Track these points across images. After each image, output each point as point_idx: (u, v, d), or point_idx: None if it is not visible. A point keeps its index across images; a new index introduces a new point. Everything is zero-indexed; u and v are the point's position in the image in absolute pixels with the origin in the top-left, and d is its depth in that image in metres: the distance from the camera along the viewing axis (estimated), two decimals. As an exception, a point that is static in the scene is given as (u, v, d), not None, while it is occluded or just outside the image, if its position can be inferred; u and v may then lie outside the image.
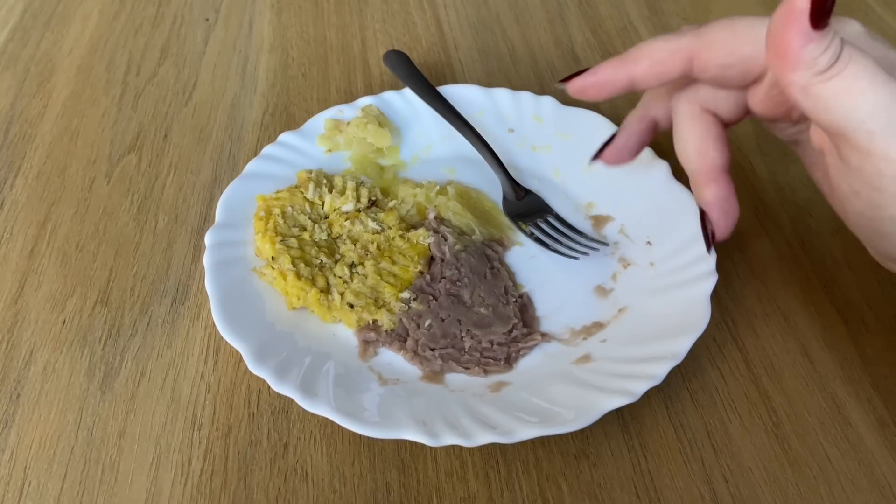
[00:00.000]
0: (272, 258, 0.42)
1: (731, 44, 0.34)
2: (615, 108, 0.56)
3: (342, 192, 0.47)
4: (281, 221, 0.44)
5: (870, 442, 0.37)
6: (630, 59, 0.36)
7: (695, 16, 0.65)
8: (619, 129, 0.40)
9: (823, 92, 0.29)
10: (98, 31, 0.64)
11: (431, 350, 0.40)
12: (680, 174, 0.48)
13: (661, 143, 0.53)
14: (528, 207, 0.47)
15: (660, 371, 0.37)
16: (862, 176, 0.30)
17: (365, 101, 0.53)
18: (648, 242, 0.45)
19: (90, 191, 0.50)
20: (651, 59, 0.35)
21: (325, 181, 0.47)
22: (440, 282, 0.43)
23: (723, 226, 0.37)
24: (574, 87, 0.37)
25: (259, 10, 0.66)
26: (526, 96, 0.53)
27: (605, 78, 0.36)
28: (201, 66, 0.60)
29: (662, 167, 0.47)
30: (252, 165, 0.48)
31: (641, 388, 0.36)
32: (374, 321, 0.41)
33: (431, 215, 0.46)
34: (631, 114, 0.40)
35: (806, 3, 0.28)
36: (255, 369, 0.37)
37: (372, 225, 0.45)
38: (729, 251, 0.45)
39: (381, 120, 0.51)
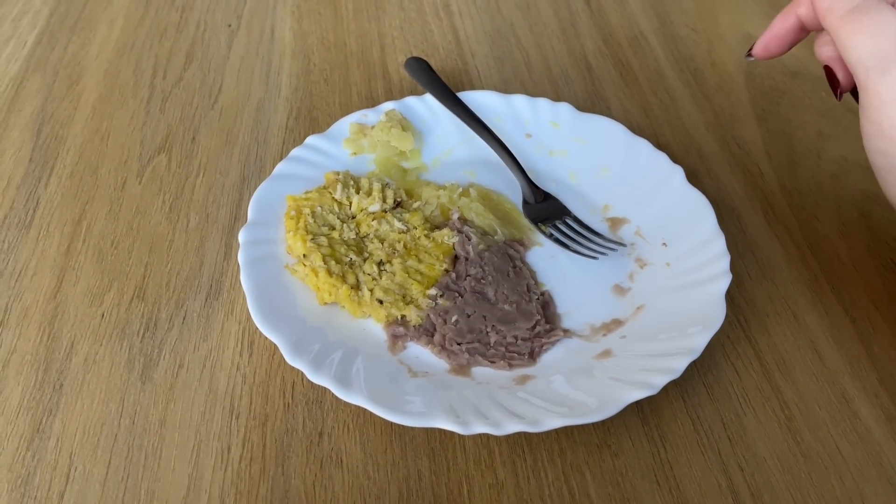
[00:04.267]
0: (304, 256, 0.44)
1: None
2: (628, 114, 0.58)
3: (369, 193, 0.48)
4: (311, 220, 0.46)
5: (877, 434, 0.39)
6: (792, 5, 0.41)
7: (703, 25, 0.67)
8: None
9: (843, 31, 0.36)
10: (124, 36, 0.65)
11: (458, 344, 0.42)
12: (693, 179, 0.50)
13: (674, 148, 0.55)
14: (547, 210, 0.49)
15: (678, 365, 0.38)
16: (865, 111, 0.37)
17: (388, 105, 0.55)
18: (664, 244, 0.46)
19: (122, 190, 0.52)
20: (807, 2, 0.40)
21: (352, 182, 0.49)
22: (465, 279, 0.45)
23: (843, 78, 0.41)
24: (758, 49, 0.43)
25: (280, 17, 0.68)
26: (543, 102, 0.55)
27: (778, 29, 0.41)
28: (226, 71, 0.62)
29: (677, 172, 0.49)
30: (281, 167, 0.50)
31: (661, 381, 0.38)
32: (403, 316, 0.43)
33: (455, 216, 0.48)
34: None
35: None
36: (292, 361, 0.39)
37: (398, 225, 0.47)
38: (741, 253, 0.47)
39: (404, 124, 0.53)
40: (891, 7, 0.36)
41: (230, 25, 0.67)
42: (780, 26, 0.41)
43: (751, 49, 0.43)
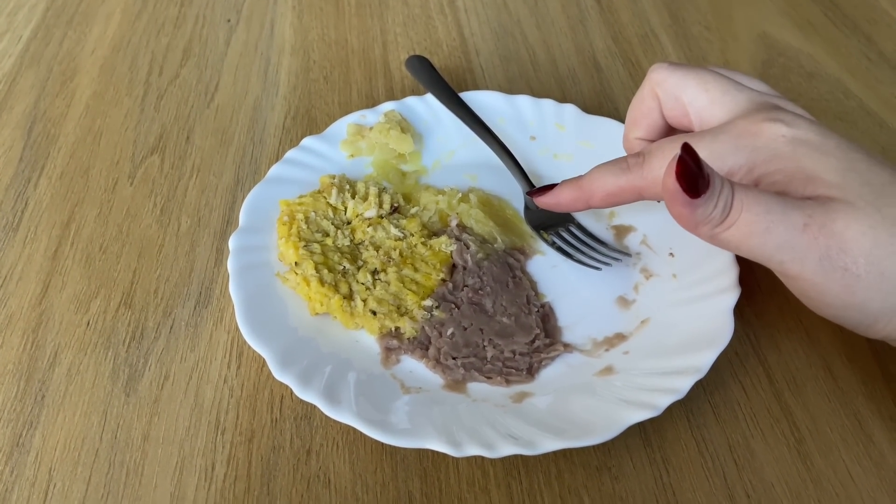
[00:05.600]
0: (295, 264, 0.43)
1: None
2: (637, 116, 0.56)
3: (365, 198, 0.47)
4: (304, 227, 0.44)
5: (892, 459, 0.37)
6: (585, 189, 0.39)
7: (716, 23, 0.65)
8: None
9: (729, 238, 0.33)
10: (120, 31, 0.64)
11: (454, 359, 0.40)
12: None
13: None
14: (550, 217, 0.47)
15: (683, 385, 0.36)
16: (794, 289, 0.35)
17: (387, 106, 0.53)
18: (671, 254, 0.45)
19: (113, 192, 0.50)
20: (605, 192, 0.39)
21: (347, 186, 0.47)
22: (462, 290, 0.43)
23: None
24: (541, 202, 0.42)
25: (280, 12, 0.66)
26: (548, 104, 0.53)
27: (566, 202, 0.41)
28: (223, 68, 0.60)
29: (686, 178, 0.47)
30: (275, 169, 0.48)
31: (664, 401, 0.36)
32: (397, 328, 0.41)
33: (454, 223, 0.46)
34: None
35: (675, 184, 0.31)
36: (279, 376, 0.37)
37: (394, 231, 0.45)
38: (751, 265, 0.45)
39: (404, 125, 0.51)
40: (753, 189, 0.33)
41: (229, 20, 0.65)
42: (569, 197, 0.41)
43: (534, 191, 0.42)
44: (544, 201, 0.42)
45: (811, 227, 0.32)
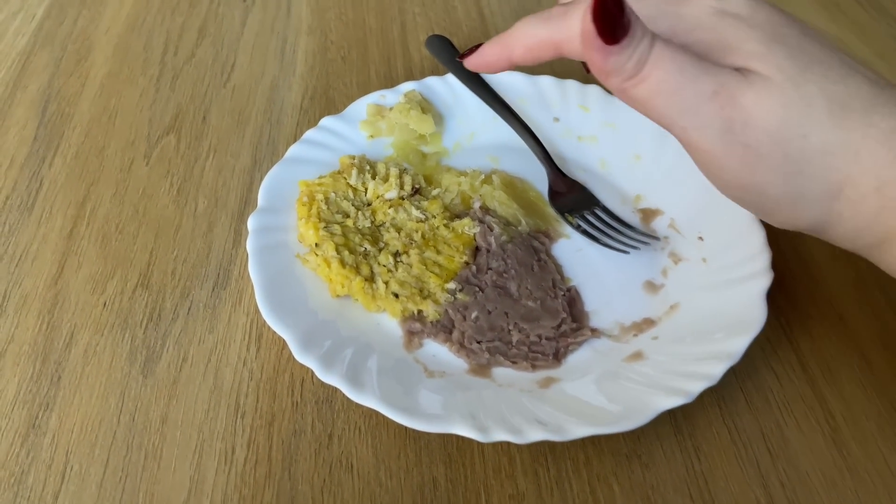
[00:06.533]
0: (316, 245, 0.42)
1: None
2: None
3: (385, 179, 0.46)
4: (324, 207, 0.43)
5: (931, 449, 0.36)
6: (507, 44, 0.35)
7: (742, 5, 0.63)
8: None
9: (637, 94, 0.30)
10: (135, 10, 0.63)
11: (478, 343, 0.39)
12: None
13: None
14: (574, 199, 0.46)
15: (716, 371, 0.35)
16: (695, 160, 0.32)
17: (407, 86, 0.52)
18: (700, 237, 0.43)
19: (129, 172, 0.49)
20: (524, 46, 0.35)
21: (367, 167, 0.46)
22: (486, 273, 0.42)
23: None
24: (468, 62, 0.37)
25: (297, -8, 0.65)
26: (572, 84, 0.52)
27: (490, 59, 0.36)
28: (239, 48, 0.59)
29: (715, 161, 0.45)
30: (294, 150, 0.47)
31: (697, 388, 0.35)
32: (419, 311, 0.41)
33: (477, 205, 0.45)
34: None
35: (591, 27, 0.29)
36: (300, 358, 0.36)
37: (416, 213, 0.44)
38: (782, 249, 0.44)
39: (424, 106, 0.50)
40: (673, 46, 0.30)
41: (245, 0, 0.64)
42: (492, 55, 0.36)
43: (462, 54, 0.38)
44: (470, 61, 0.38)
45: (720, 96, 0.30)
